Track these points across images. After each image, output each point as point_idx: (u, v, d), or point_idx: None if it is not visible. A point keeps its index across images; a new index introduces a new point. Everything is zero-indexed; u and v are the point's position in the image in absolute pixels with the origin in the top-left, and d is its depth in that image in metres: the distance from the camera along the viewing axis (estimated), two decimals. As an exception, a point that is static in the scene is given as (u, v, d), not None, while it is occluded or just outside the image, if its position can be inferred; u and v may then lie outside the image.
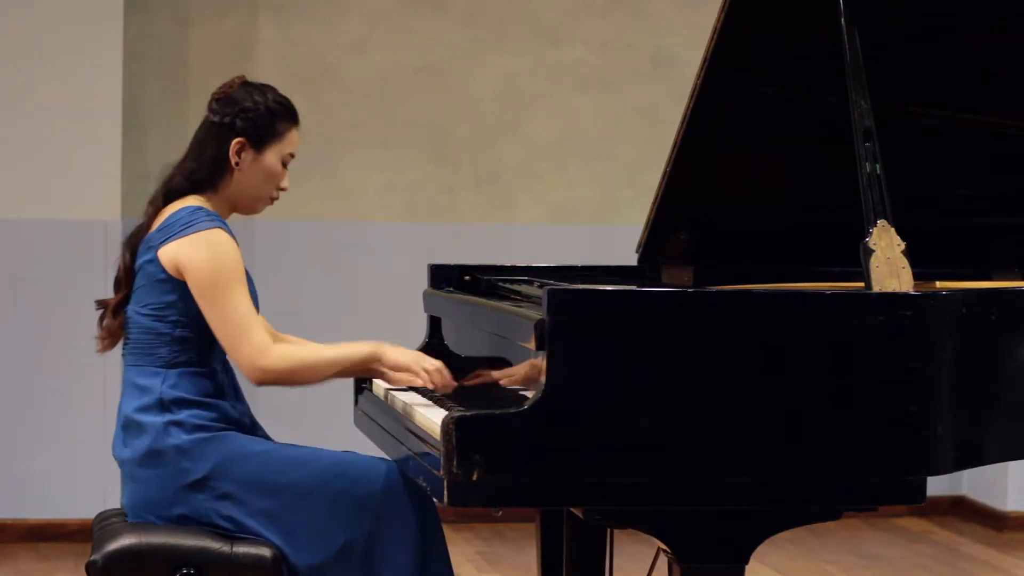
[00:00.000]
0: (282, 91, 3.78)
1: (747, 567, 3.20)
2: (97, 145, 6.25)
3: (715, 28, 3.62)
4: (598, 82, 6.89)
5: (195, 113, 6.56)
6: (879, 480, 3.16)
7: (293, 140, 3.73)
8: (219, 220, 3.62)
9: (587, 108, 6.90)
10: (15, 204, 6.24)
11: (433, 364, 3.57)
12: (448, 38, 6.80)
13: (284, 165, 3.72)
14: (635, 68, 6.90)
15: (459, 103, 6.82)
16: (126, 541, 3.51)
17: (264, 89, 3.73)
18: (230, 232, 3.61)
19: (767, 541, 3.20)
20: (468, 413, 3.01)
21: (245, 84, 3.73)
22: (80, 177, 6.25)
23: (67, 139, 6.24)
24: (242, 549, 3.51)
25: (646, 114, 6.87)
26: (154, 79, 6.55)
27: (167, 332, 3.60)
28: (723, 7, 3.59)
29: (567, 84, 6.89)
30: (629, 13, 6.90)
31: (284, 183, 3.74)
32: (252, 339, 3.53)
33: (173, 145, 6.51)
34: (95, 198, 6.26)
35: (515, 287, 3.88)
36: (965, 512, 7.06)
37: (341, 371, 3.63)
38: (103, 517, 3.74)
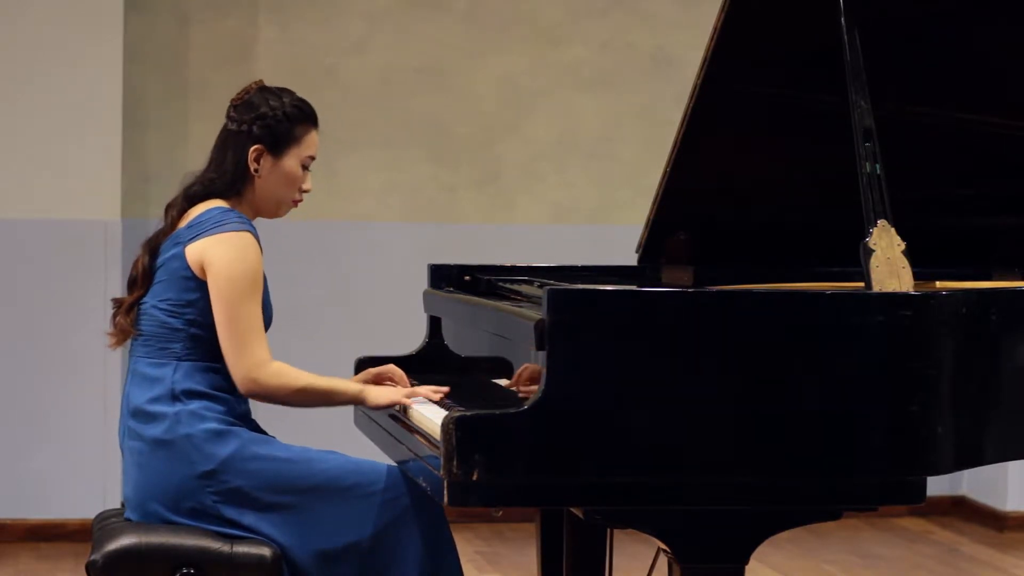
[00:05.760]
0: (283, 91, 3.77)
1: (747, 567, 3.20)
2: (97, 145, 6.25)
3: (715, 28, 3.62)
4: (598, 82, 6.89)
5: (195, 113, 6.63)
6: (879, 480, 3.16)
7: (312, 142, 3.74)
8: (249, 224, 3.64)
9: (587, 108, 6.90)
10: (15, 204, 6.23)
11: (415, 390, 3.57)
12: (448, 38, 6.79)
13: (305, 168, 3.73)
14: (635, 68, 6.90)
15: (459, 103, 6.81)
16: (126, 541, 3.51)
17: (280, 93, 3.73)
18: (257, 238, 3.62)
19: (767, 541, 3.20)
20: (468, 413, 3.01)
21: (262, 89, 3.74)
22: (80, 177, 6.24)
23: (67, 139, 6.24)
24: (242, 549, 3.50)
25: (646, 114, 6.86)
26: (154, 79, 6.55)
27: (182, 328, 3.60)
28: (723, 7, 3.59)
29: (567, 84, 6.88)
30: (629, 13, 6.90)
31: (306, 185, 3.75)
32: (253, 350, 3.55)
33: (173, 145, 6.56)
34: (95, 198, 6.25)
35: (515, 287, 3.88)
36: (965, 512, 7.06)
37: (326, 404, 3.66)
38: (103, 517, 3.74)
